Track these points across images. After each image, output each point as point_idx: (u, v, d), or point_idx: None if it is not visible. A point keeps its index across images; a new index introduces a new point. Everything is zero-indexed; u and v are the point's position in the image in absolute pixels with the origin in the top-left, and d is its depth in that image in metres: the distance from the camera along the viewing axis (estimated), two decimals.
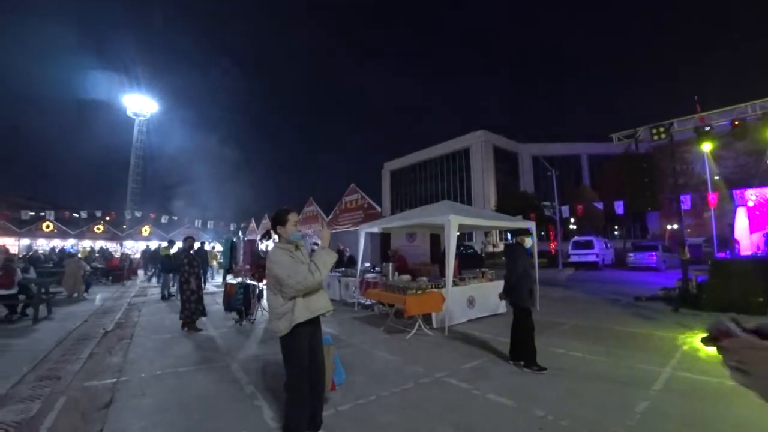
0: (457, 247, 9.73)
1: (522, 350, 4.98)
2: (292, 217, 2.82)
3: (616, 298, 10.67)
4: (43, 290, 8.12)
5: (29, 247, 25.74)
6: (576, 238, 26.44)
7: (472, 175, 49.32)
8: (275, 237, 2.90)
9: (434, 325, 7.07)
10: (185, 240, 7.32)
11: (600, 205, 23.91)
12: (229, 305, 7.49)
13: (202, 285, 7.18)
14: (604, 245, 25.06)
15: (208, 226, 28.24)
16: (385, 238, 10.26)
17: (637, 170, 11.32)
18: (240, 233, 19.36)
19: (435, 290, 6.86)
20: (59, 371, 4.66)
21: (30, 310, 7.61)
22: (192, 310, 6.79)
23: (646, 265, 21.21)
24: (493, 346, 5.94)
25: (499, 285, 8.81)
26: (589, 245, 24.13)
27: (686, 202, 18.77)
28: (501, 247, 42.42)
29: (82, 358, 5.16)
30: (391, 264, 8.63)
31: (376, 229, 9.71)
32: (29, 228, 27.44)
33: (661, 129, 11.58)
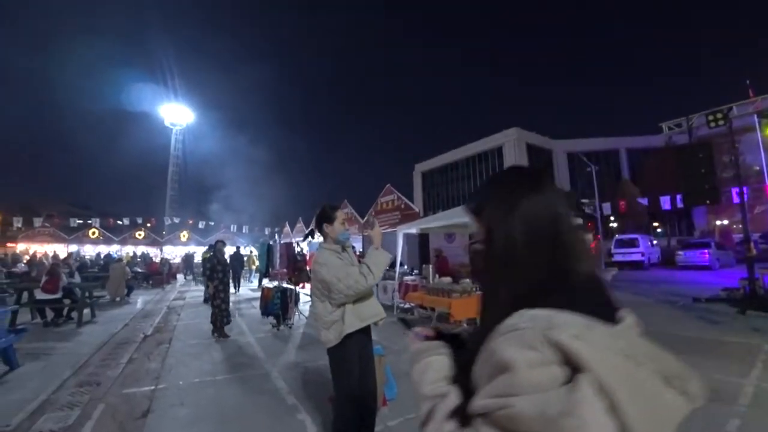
0: None
1: None
2: (340, 215, 2.52)
3: (673, 300, 9.88)
4: (87, 294, 8.24)
5: (77, 253, 26.94)
6: (619, 236, 25.07)
7: None
8: (319, 237, 2.63)
9: None
10: (215, 244, 7.13)
11: (644, 201, 22.61)
12: (266, 310, 7.33)
13: (228, 290, 6.96)
14: (649, 243, 23.65)
15: (244, 230, 28.72)
16: (423, 239, 9.88)
17: (692, 161, 10.43)
18: (276, 236, 19.41)
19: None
20: (99, 376, 4.57)
21: (75, 314, 7.73)
22: (217, 316, 6.63)
23: (697, 263, 19.83)
24: None
25: None
26: (633, 243, 22.78)
27: (737, 195, 17.45)
28: None
29: (122, 363, 5.08)
30: (431, 266, 8.26)
31: (414, 230, 9.36)
32: (77, 235, 28.76)
33: (719, 115, 10.67)
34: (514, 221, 0.66)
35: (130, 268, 15.65)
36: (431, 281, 8.18)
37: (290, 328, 7.21)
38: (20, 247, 27.32)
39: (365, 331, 2.45)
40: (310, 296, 2.49)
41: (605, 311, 0.61)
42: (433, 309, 6.85)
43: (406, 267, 11.37)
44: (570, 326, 0.53)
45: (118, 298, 11.44)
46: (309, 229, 2.94)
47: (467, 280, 7.40)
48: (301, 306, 8.94)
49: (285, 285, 7.57)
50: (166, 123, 39.84)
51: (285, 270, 8.56)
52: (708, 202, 10.59)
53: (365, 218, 12.28)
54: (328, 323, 2.33)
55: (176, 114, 40.12)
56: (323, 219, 2.50)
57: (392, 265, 11.63)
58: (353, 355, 2.39)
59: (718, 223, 34.81)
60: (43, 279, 7.55)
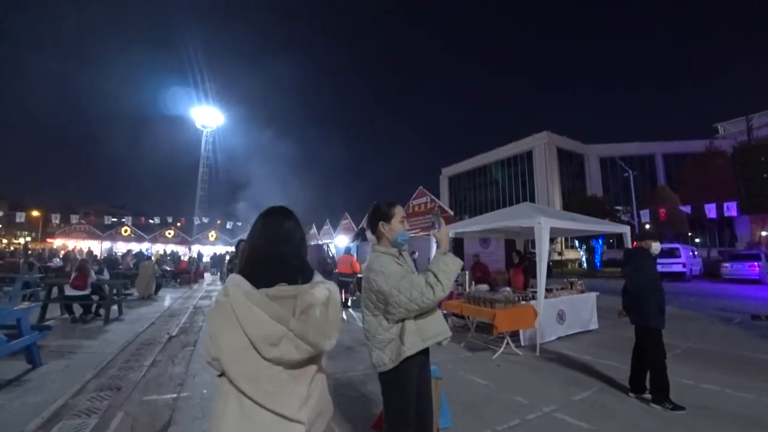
0: (524, 255, 8.65)
1: (651, 382, 3.98)
2: (399, 212, 2.12)
3: (726, 316, 9.10)
4: (115, 291, 8.16)
5: (110, 250, 27.64)
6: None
7: (536, 178, 46.82)
8: (371, 239, 2.24)
9: (522, 343, 6.13)
10: (237, 243, 6.80)
11: (687, 209, 21.30)
12: None
13: None
14: (690, 253, 22.25)
15: None
16: (457, 243, 9.41)
17: (754, 164, 9.57)
18: (310, 238, 19.42)
19: (525, 303, 5.94)
20: (121, 380, 4.32)
21: (103, 311, 7.63)
22: None
23: (745, 276, 18.55)
24: (599, 370, 4.98)
25: (590, 297, 7.71)
26: (674, 253, 21.41)
27: (732, 209, 16.22)
28: (567, 254, 39.63)
29: (145, 366, 4.83)
30: (467, 272, 7.79)
31: (450, 234, 8.92)
32: (110, 233, 29.52)
33: None
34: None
35: (159, 266, 15.80)
36: (467, 288, 7.70)
37: None
38: (57, 243, 28.27)
39: (424, 351, 2.03)
40: (361, 309, 2.08)
41: (265, 280, 1.25)
42: (468, 317, 6.37)
43: None
44: (233, 279, 1.24)
45: (146, 296, 11.41)
46: (359, 227, 2.54)
47: (508, 288, 6.91)
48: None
49: None
50: (198, 125, 40.64)
51: None
52: None
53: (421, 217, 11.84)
54: (383, 342, 1.93)
55: (207, 116, 40.87)
56: (379, 217, 2.09)
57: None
58: (410, 381, 1.98)
59: (764, 233, 32.58)
60: (72, 275, 7.48)
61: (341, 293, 10.49)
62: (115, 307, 8.13)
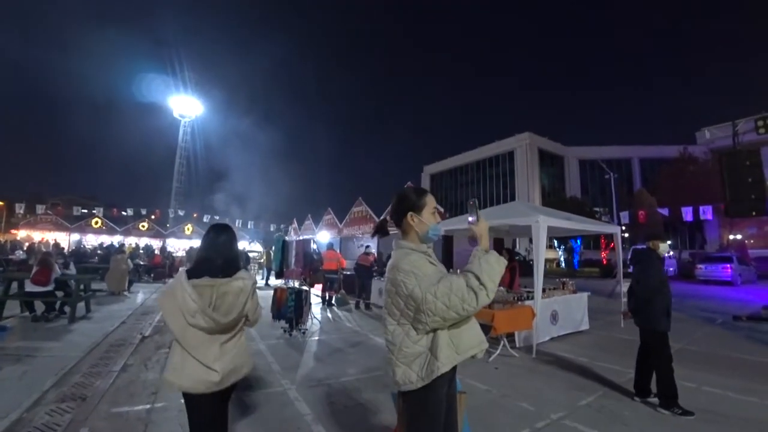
0: (512, 254, 8.44)
1: (658, 386, 3.82)
2: (430, 201, 1.77)
3: (709, 317, 9.28)
4: (82, 287, 7.56)
5: (78, 243, 26.36)
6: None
7: (517, 179, 47.24)
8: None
9: (517, 344, 5.92)
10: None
11: (665, 211, 21.83)
12: (278, 313, 6.61)
13: None
14: (667, 255, 22.75)
15: (249, 225, 28.06)
16: (447, 241, 9.15)
17: (738, 168, 9.65)
18: (291, 232, 18.57)
19: (522, 303, 5.72)
20: (86, 389, 3.86)
21: (68, 308, 7.03)
22: None
23: (718, 278, 19.12)
24: (599, 373, 4.86)
25: (582, 297, 7.58)
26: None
27: (707, 213, 16.98)
28: (546, 254, 40.10)
29: (114, 372, 4.36)
30: (459, 270, 7.53)
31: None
32: (79, 224, 28.13)
33: None
34: None
35: (131, 260, 15.03)
36: None
37: (304, 334, 6.50)
38: (21, 234, 26.79)
39: (454, 367, 1.71)
40: (384, 316, 1.73)
41: (196, 274, 1.95)
42: None
43: None
44: (180, 272, 2.00)
45: (117, 292, 10.75)
46: (380, 219, 2.12)
47: (501, 288, 6.69)
48: (313, 310, 8.23)
49: (299, 286, 6.84)
50: (175, 114, 39.23)
51: (300, 270, 7.82)
52: (754, 213, 9.80)
53: (381, 217, 11.45)
54: (410, 356, 1.59)
55: (185, 106, 39.47)
56: (406, 206, 1.73)
57: None
58: (440, 402, 1.65)
59: (731, 237, 33.91)
60: (33, 269, 6.86)
61: (326, 291, 10.10)
62: (82, 305, 7.53)
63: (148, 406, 3.46)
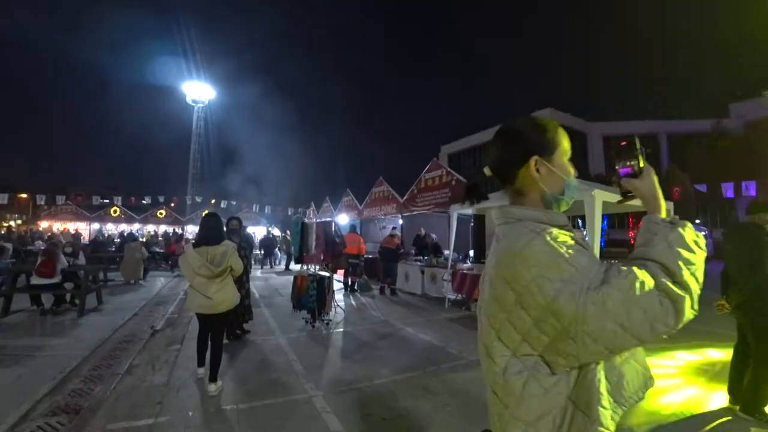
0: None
1: (749, 389, 3.16)
2: (564, 139, 1.02)
3: None
4: (91, 278, 7.13)
5: (99, 232, 26.47)
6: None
7: None
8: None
9: None
10: (227, 222, 5.27)
11: (702, 188, 20.58)
12: (299, 303, 6.05)
13: (249, 280, 5.61)
14: (704, 234, 21.52)
15: (266, 210, 27.66)
16: (479, 221, 8.41)
17: None
18: (310, 214, 17.99)
19: None
20: (83, 397, 3.35)
21: (78, 301, 6.61)
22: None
23: None
24: None
25: None
26: None
27: (751, 188, 15.82)
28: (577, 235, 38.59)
29: (118, 375, 3.85)
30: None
31: (470, 210, 7.90)
32: (99, 213, 28.23)
33: None
34: None
35: (147, 248, 14.74)
36: None
37: (327, 325, 5.92)
38: (43, 225, 27.04)
39: None
40: (486, 339, 1.01)
41: (197, 244, 3.65)
42: None
43: (452, 253, 9.97)
44: (188, 244, 4.14)
45: (132, 281, 10.41)
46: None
47: None
48: (336, 297, 7.66)
49: (321, 272, 6.23)
50: (188, 100, 38.82)
51: (321, 254, 7.21)
52: None
53: (405, 196, 10.67)
54: (536, 411, 0.88)
55: (198, 91, 38.99)
56: (527, 148, 0.98)
57: (438, 250, 10.25)
58: None
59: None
60: (38, 260, 6.44)
61: (348, 277, 9.52)
62: (93, 296, 7.12)
63: (150, 421, 2.91)
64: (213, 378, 3.47)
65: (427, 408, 3.22)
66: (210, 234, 3.66)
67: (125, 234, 18.06)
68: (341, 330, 5.84)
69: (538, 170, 0.97)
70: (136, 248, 10.73)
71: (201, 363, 3.75)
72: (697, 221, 36.46)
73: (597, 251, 5.12)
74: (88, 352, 4.50)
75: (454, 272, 7.61)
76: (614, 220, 38.29)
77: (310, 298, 5.84)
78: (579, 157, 48.26)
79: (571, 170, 1.01)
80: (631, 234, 34.71)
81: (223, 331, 3.85)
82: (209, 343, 3.69)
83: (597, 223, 5.16)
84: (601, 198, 5.25)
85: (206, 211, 4.14)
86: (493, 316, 0.93)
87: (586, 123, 48.50)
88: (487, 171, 1.06)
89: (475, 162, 54.68)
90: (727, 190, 17.65)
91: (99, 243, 15.00)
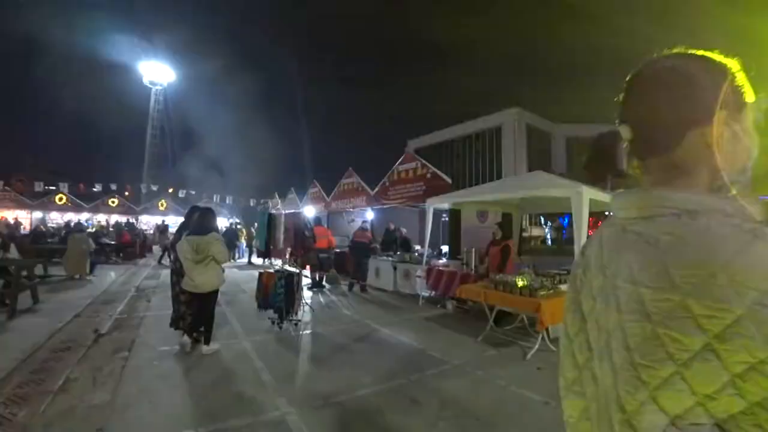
0: (507, 231, 7.27)
1: None
2: (750, 91, 0.64)
3: None
4: (25, 273, 6.30)
5: (41, 221, 24.45)
6: None
7: (503, 155, 46.39)
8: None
9: (550, 336, 5.04)
10: (189, 212, 4.84)
11: None
12: (265, 302, 5.55)
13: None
14: None
15: (227, 201, 26.52)
16: (454, 216, 8.15)
17: None
18: (277, 206, 17.12)
19: (560, 289, 4.83)
20: (3, 425, 2.75)
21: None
22: (181, 315, 4.66)
23: None
24: None
25: None
26: None
27: None
28: (532, 231, 39.64)
29: (50, 392, 3.25)
30: (474, 249, 6.57)
31: (446, 205, 7.62)
32: (42, 201, 26.08)
33: None
34: None
35: (96, 239, 13.58)
36: (473, 269, 6.55)
37: (296, 326, 5.46)
38: None
39: None
40: (628, 401, 0.59)
41: (190, 233, 4.33)
42: (489, 305, 5.17)
43: (420, 248, 9.69)
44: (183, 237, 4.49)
45: (77, 276, 9.45)
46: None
47: (526, 268, 5.82)
48: (305, 295, 7.19)
49: (289, 268, 5.75)
50: (145, 81, 36.48)
51: (290, 248, 6.68)
52: None
53: (375, 189, 10.26)
54: None
55: (156, 72, 36.68)
56: (705, 99, 0.59)
57: (408, 245, 9.94)
58: None
59: None
60: None
61: (316, 272, 9.02)
62: (27, 295, 6.29)
63: None
64: (206, 341, 4.32)
65: (418, 423, 2.88)
66: (198, 225, 4.31)
67: (72, 224, 16.61)
68: (312, 331, 5.40)
69: (727, 129, 0.60)
70: (81, 240, 9.75)
71: (177, 328, 4.62)
72: None
73: (584, 239, 4.95)
74: (15, 364, 3.82)
75: (429, 269, 7.32)
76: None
77: (278, 296, 5.35)
78: (543, 156, 49.75)
79: (757, 140, 0.65)
80: (590, 233, 35.93)
81: (210, 306, 4.36)
82: (201, 315, 4.35)
83: (584, 223, 4.98)
84: (589, 195, 5.07)
85: (198, 204, 4.95)
86: (649, 366, 0.56)
87: (552, 124, 49.93)
88: (625, 132, 0.68)
89: (440, 157, 55.23)
90: None
91: (40, 234, 13.65)
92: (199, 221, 4.33)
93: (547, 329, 5.03)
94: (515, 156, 45.01)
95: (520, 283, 4.51)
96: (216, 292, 4.42)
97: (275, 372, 3.81)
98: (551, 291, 4.46)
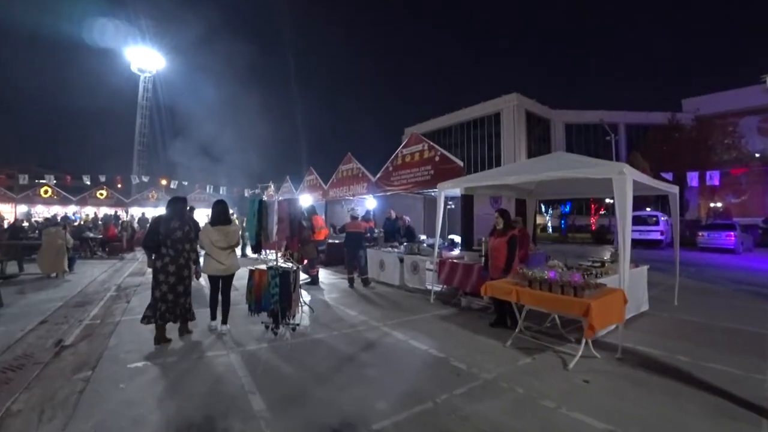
0: (512, 219, 6.47)
1: None
2: None
3: (743, 288, 8.26)
4: None
5: (26, 215, 23.46)
6: (636, 212, 23.53)
7: (503, 141, 45.75)
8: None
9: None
10: (171, 203, 4.58)
11: (669, 176, 21.06)
12: (258, 304, 4.81)
13: (191, 273, 4.60)
14: (666, 222, 22.15)
15: (221, 191, 25.55)
16: (467, 202, 7.41)
17: None
18: (272, 194, 16.25)
19: (610, 286, 4.13)
20: None
21: None
22: (159, 309, 4.29)
23: (721, 246, 18.44)
24: (719, 384, 3.36)
25: (642, 272, 6.09)
26: (653, 221, 21.41)
27: (715, 178, 16.37)
28: (541, 220, 38.99)
29: None
30: (485, 239, 5.85)
31: (458, 191, 6.87)
32: (26, 194, 25.01)
33: None
34: None
35: (79, 233, 12.76)
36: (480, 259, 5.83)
37: (294, 331, 4.73)
38: None
39: None
40: None
41: (213, 223, 4.80)
42: (519, 305, 4.47)
43: (427, 239, 8.97)
44: (206, 223, 4.99)
45: (54, 274, 8.67)
46: None
47: (556, 261, 5.13)
48: (305, 296, 6.47)
49: (283, 264, 5.01)
50: (133, 68, 35.13)
51: (286, 241, 5.93)
52: None
53: (378, 175, 9.49)
54: None
55: (145, 58, 35.30)
56: None
57: (412, 235, 9.21)
58: None
59: (711, 204, 35.01)
60: None
61: (313, 266, 8.25)
62: None
63: None
64: (224, 321, 4.77)
65: None
66: (222, 216, 4.78)
67: (49, 219, 15.75)
68: (312, 338, 4.68)
69: None
70: (57, 234, 8.93)
71: (213, 317, 4.85)
72: (648, 209, 38.08)
73: (628, 244, 4.25)
74: None
75: (441, 261, 6.59)
76: (581, 206, 39.10)
77: (272, 297, 4.62)
78: (543, 142, 49.30)
79: None
80: (593, 220, 35.52)
81: (230, 287, 4.89)
82: (220, 298, 4.82)
83: (628, 209, 4.26)
84: (632, 177, 4.36)
85: (179, 195, 4.84)
86: None
87: (550, 110, 49.21)
88: None
89: (439, 144, 54.24)
90: (692, 179, 17.98)
91: (19, 228, 12.78)
92: (223, 213, 4.81)
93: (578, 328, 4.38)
94: (515, 142, 44.48)
95: (561, 281, 3.79)
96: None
97: (269, 396, 3.09)
98: (596, 289, 3.76)
